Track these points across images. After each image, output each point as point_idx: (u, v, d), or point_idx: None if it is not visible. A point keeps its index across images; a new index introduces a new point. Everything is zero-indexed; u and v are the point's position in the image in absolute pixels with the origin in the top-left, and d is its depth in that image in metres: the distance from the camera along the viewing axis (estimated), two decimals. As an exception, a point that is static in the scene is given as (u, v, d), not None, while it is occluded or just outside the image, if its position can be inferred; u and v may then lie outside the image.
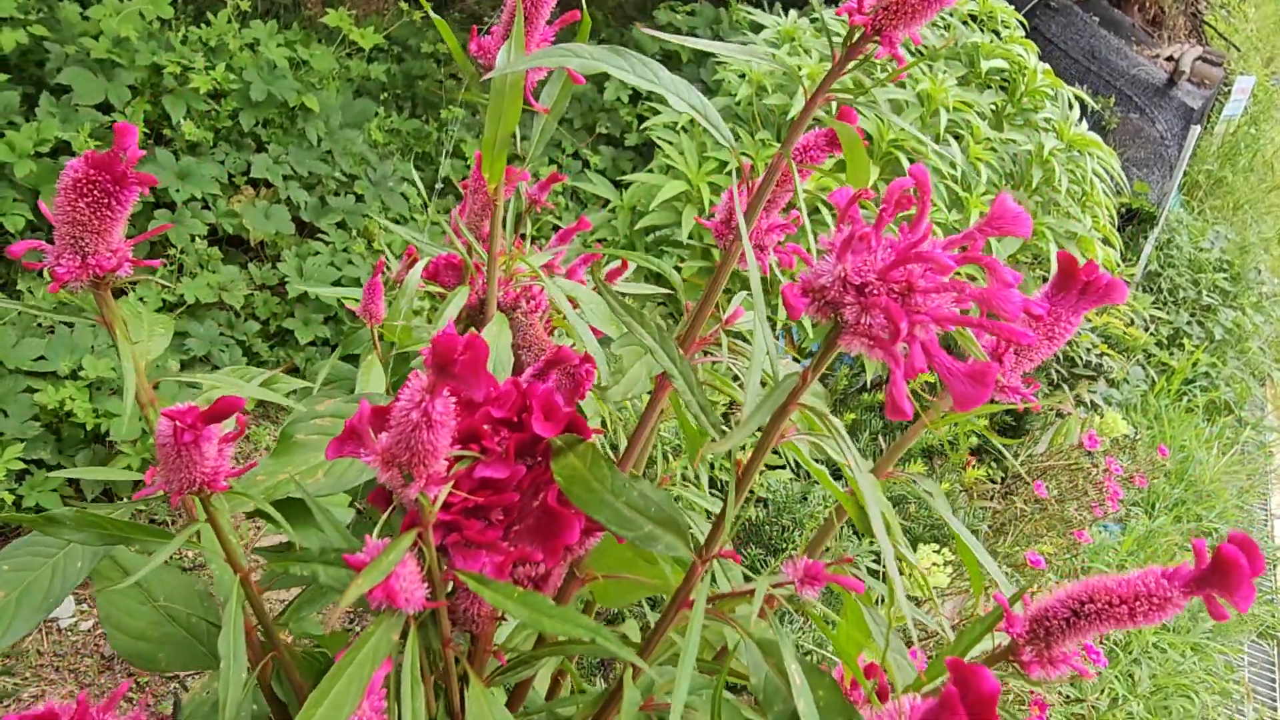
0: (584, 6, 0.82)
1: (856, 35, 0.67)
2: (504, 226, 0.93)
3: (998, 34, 3.47)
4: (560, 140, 5.26)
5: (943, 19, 3.42)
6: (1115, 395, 4.85)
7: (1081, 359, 4.76)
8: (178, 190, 3.62)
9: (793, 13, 3.27)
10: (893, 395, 0.46)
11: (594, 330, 0.89)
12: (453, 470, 0.56)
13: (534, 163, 0.86)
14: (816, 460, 0.70)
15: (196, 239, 3.58)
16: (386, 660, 0.56)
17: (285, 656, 0.79)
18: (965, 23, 3.41)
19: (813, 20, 3.25)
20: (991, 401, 0.82)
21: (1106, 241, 3.74)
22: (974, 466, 3.77)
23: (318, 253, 3.90)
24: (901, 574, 0.97)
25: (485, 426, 0.59)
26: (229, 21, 4.14)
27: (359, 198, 4.25)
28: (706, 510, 1.15)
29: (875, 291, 0.47)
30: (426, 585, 0.57)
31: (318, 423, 0.76)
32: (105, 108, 3.75)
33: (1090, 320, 4.74)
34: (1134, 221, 6.71)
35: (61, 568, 0.69)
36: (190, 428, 0.56)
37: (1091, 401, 4.72)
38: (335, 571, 0.57)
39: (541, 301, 1.24)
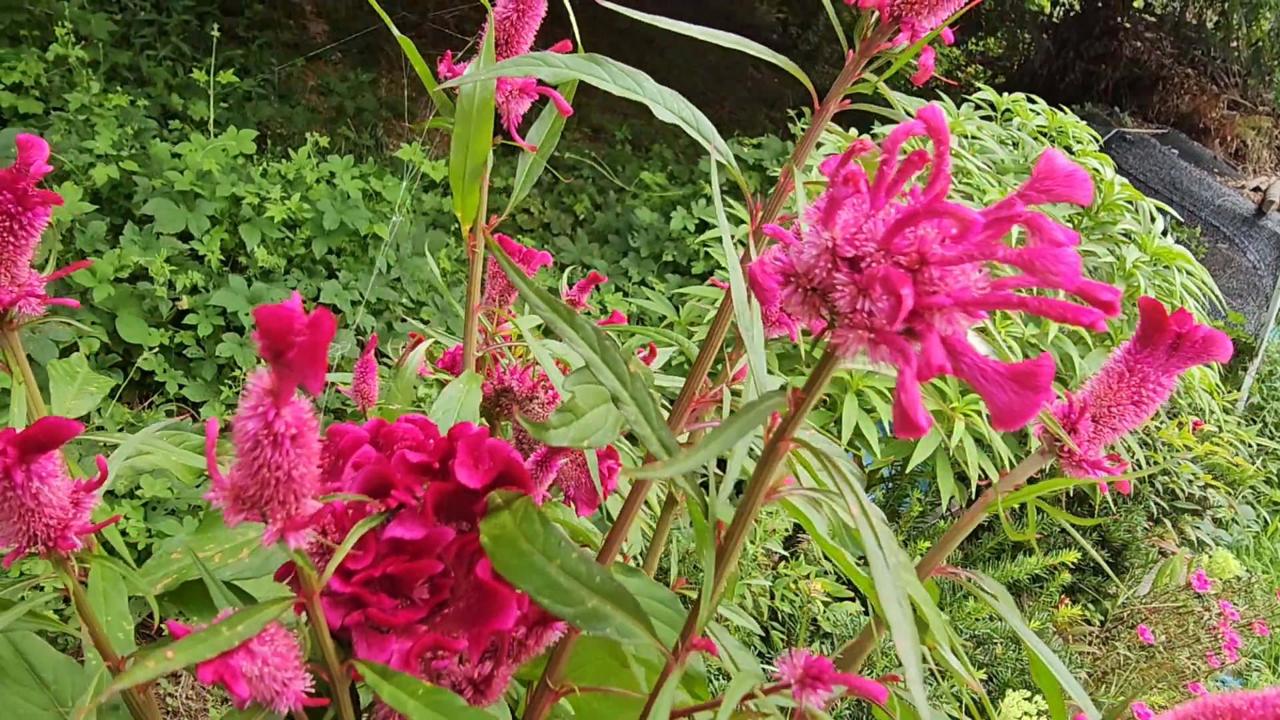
0: (576, 38, 0.74)
1: (872, 24, 0.56)
2: (483, 274, 0.83)
3: (1070, 150, 3.37)
4: (628, 269, 5.28)
5: (1011, 135, 3.34)
6: (1225, 536, 4.48)
7: (1183, 490, 4.44)
8: (247, 314, 3.67)
9: (853, 130, 3.23)
10: (901, 403, 0.32)
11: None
12: (354, 531, 0.44)
13: (519, 204, 0.76)
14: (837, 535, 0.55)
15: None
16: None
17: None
18: (1035, 138, 3.33)
19: (874, 136, 3.20)
20: (1063, 476, 0.67)
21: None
22: (1068, 605, 3.46)
23: (385, 377, 3.89)
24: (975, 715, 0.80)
25: (401, 475, 0.47)
26: (308, 157, 4.29)
27: (425, 323, 4.27)
28: (738, 628, 0.99)
29: (874, 264, 0.34)
30: (309, 676, 0.44)
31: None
32: (185, 236, 3.88)
33: (1190, 447, 4.43)
34: (1232, 353, 6.41)
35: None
36: (0, 455, 0.45)
37: (1198, 539, 4.36)
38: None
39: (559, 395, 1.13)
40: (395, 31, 0.67)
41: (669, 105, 0.58)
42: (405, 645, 0.45)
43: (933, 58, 0.56)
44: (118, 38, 5.25)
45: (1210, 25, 10.80)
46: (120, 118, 4.24)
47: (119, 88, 4.66)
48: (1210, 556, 4.18)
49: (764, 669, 0.63)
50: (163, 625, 0.63)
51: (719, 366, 0.83)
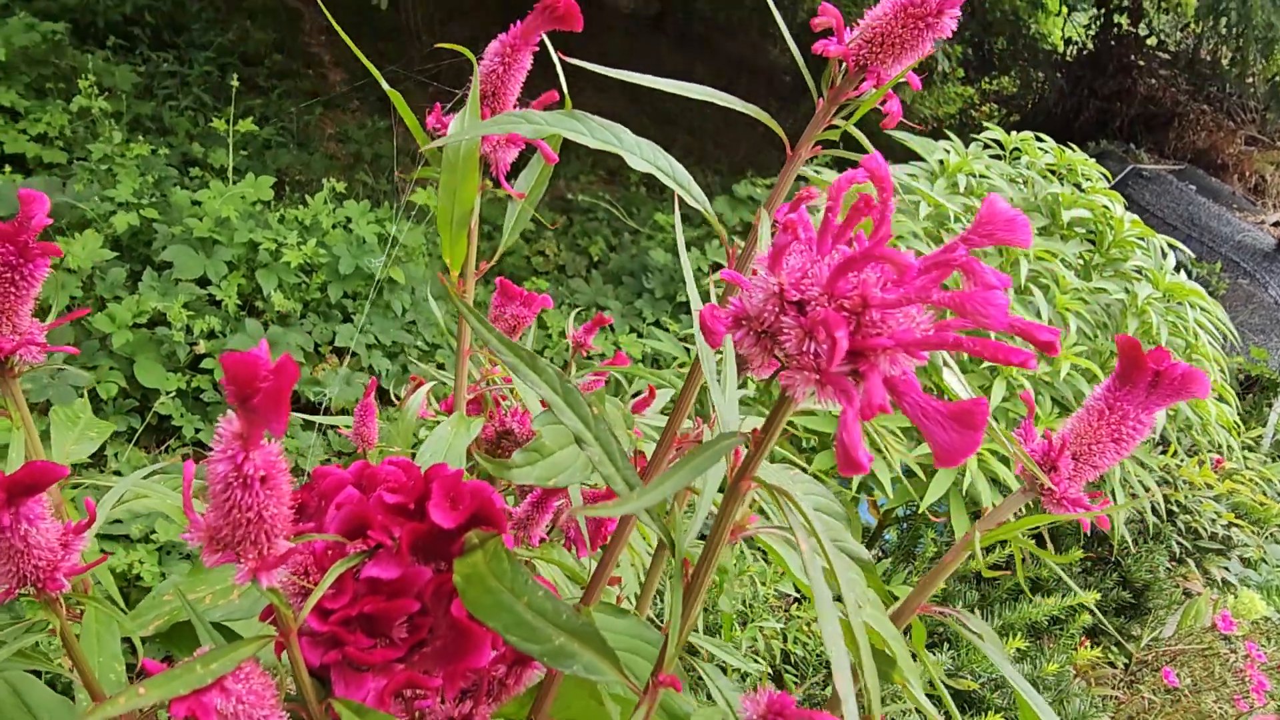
0: (564, 91, 0.76)
1: (840, 73, 0.58)
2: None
3: (1079, 187, 3.38)
4: (642, 310, 5.31)
5: (1020, 173, 3.36)
6: (1253, 576, 4.41)
7: (1206, 529, 4.37)
8: (262, 358, 3.71)
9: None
10: (843, 441, 0.33)
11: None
12: (331, 570, 0.45)
13: (507, 250, 0.78)
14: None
15: (276, 404, 3.63)
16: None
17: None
18: (1044, 176, 3.34)
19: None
20: (1045, 512, 0.67)
21: (1220, 398, 3.47)
22: (1087, 647, 3.41)
23: (394, 419, 3.91)
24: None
25: (379, 516, 0.48)
26: (325, 202, 4.35)
27: (440, 366, 4.30)
28: (738, 670, 0.99)
29: (818, 307, 0.35)
30: (288, 715, 0.45)
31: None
32: (203, 282, 3.94)
33: (1211, 486, 4.37)
34: (1255, 389, 6.34)
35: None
36: (-13, 498, 0.47)
37: (1223, 579, 4.29)
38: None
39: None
40: (385, 85, 0.70)
41: (644, 155, 0.60)
42: (381, 683, 0.46)
43: (898, 104, 0.58)
44: (140, 89, 5.37)
45: (1225, 61, 10.83)
46: (141, 166, 4.33)
47: (141, 137, 4.77)
48: (1236, 596, 4.12)
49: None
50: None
51: (711, 409, 0.84)
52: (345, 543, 0.48)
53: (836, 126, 0.60)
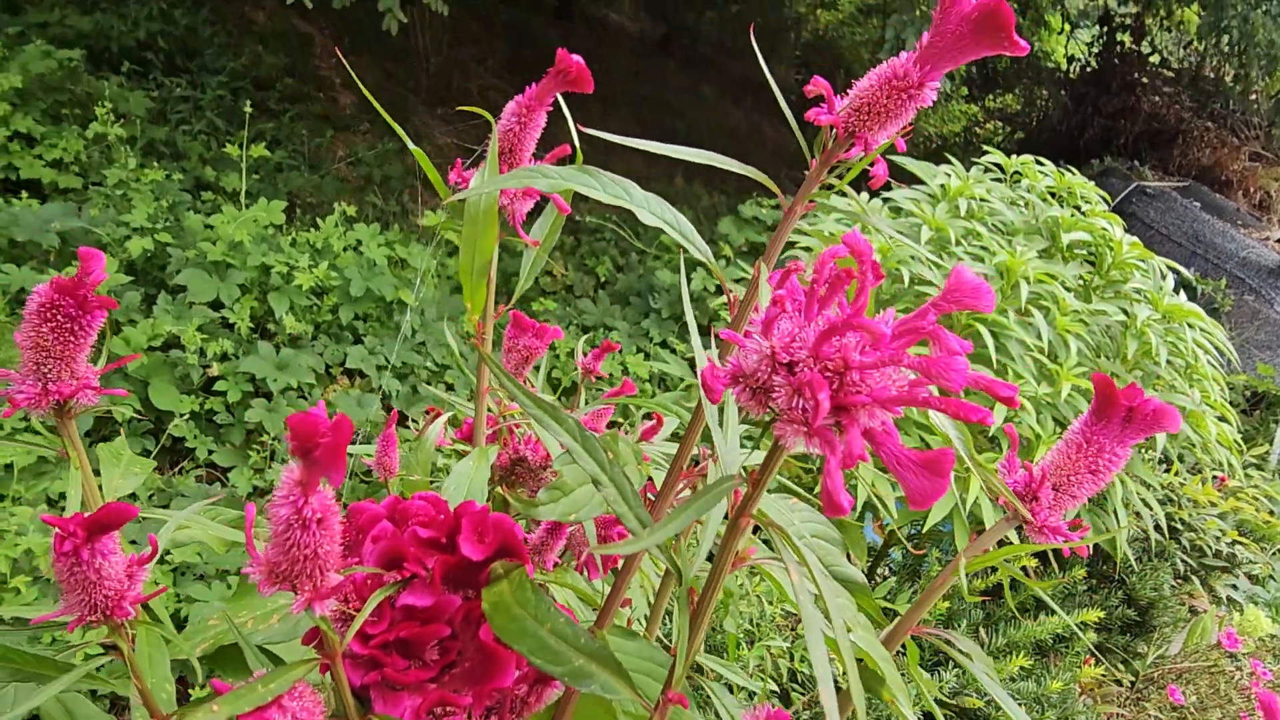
0: (575, 143, 0.82)
1: (831, 138, 0.63)
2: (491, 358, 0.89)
3: (1079, 209, 3.43)
4: (649, 330, 5.36)
5: (1020, 196, 3.41)
6: (1261, 593, 4.42)
7: (1210, 547, 4.39)
8: (275, 380, 3.77)
9: (864, 194, 3.31)
10: (826, 487, 0.38)
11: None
12: (371, 599, 0.50)
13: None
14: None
15: (289, 426, 3.68)
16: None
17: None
18: (1044, 199, 3.39)
19: (886, 200, 3.28)
20: (1028, 541, 0.72)
21: (1222, 418, 3.51)
22: (1092, 665, 3.43)
23: (405, 440, 3.96)
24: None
25: (413, 549, 0.53)
26: (336, 225, 4.42)
27: (449, 386, 4.36)
28: (745, 689, 1.03)
29: (804, 369, 0.40)
30: (332, 730, 0.50)
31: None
32: (216, 305, 4.00)
33: (1215, 503, 4.39)
34: (1261, 406, 6.36)
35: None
36: (70, 535, 0.52)
37: (1229, 597, 4.31)
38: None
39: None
40: (410, 145, 0.75)
41: (653, 210, 0.66)
42: (416, 701, 0.51)
43: (884, 166, 0.63)
44: (154, 114, 5.46)
45: (1228, 78, 10.88)
46: (156, 191, 4.40)
47: (155, 162, 4.85)
48: (1242, 614, 4.14)
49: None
50: (194, 689, 0.69)
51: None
52: (383, 573, 0.53)
53: (830, 185, 0.65)
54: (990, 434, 2.82)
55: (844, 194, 0.66)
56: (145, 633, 0.63)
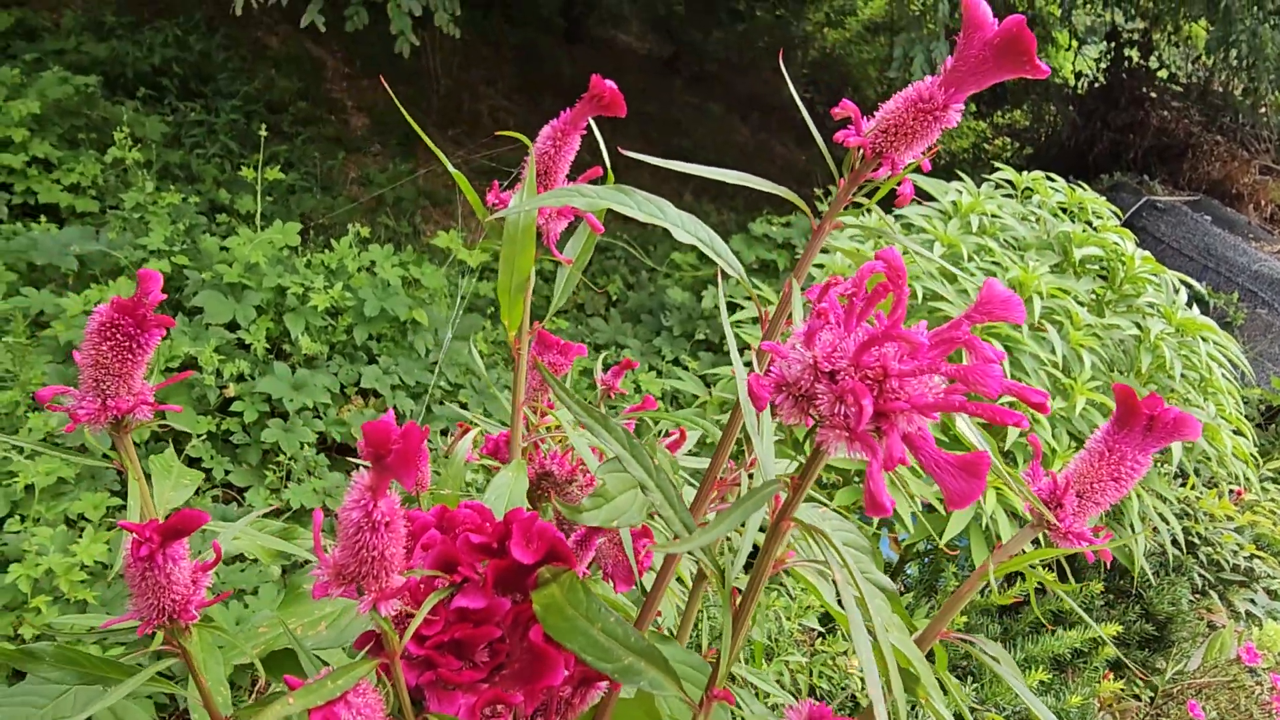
0: (607, 165, 0.85)
1: (859, 158, 0.66)
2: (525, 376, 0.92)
3: (1090, 224, 3.45)
4: (661, 348, 5.38)
5: (1031, 212, 3.43)
6: (1280, 608, 4.39)
7: (1228, 562, 4.37)
8: (291, 400, 3.80)
9: (877, 211, 3.34)
10: (869, 489, 0.41)
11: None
12: (427, 601, 0.53)
13: (557, 312, 0.86)
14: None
15: (305, 446, 3.71)
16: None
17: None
18: (1055, 215, 3.41)
19: (898, 217, 3.30)
20: (1051, 545, 0.74)
21: (1238, 432, 3.51)
22: (1111, 679, 3.42)
23: (442, 463, 3.98)
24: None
25: (465, 554, 0.55)
26: (350, 246, 4.47)
27: (463, 405, 4.38)
28: (767, 695, 1.05)
29: (846, 378, 0.43)
30: (391, 727, 0.52)
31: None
32: (232, 326, 4.04)
33: (1232, 518, 4.38)
34: (1277, 419, 6.34)
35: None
36: (147, 541, 0.54)
37: (1247, 611, 4.28)
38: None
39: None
40: (450, 168, 0.78)
41: (687, 228, 0.68)
42: (470, 700, 0.53)
43: (911, 186, 0.66)
44: (169, 138, 5.53)
45: (1238, 93, 10.88)
46: (172, 214, 4.46)
47: (171, 186, 4.91)
48: (1261, 629, 4.12)
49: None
50: (245, 695, 0.71)
51: (742, 449, 0.91)
52: (437, 576, 0.55)
53: (859, 204, 0.68)
54: (1005, 450, 2.83)
55: (870, 212, 0.69)
56: (201, 638, 0.66)
